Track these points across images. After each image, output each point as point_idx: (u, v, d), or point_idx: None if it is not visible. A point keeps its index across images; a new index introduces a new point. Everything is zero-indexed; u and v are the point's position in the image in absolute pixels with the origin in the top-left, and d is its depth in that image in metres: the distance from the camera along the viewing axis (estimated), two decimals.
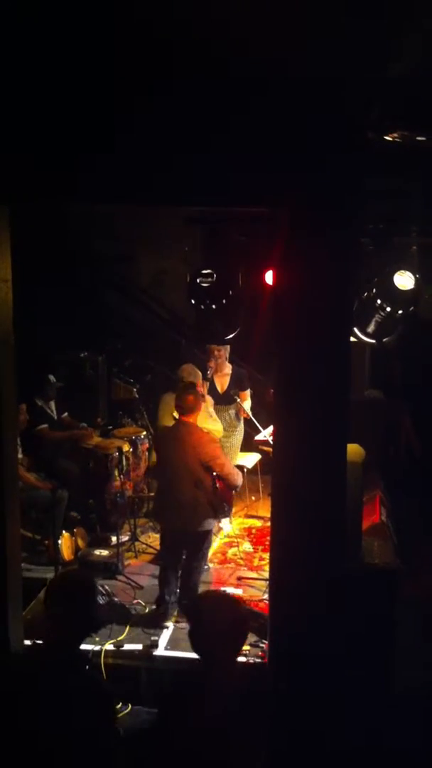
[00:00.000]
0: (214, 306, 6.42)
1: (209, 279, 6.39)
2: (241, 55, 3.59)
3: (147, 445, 8.52)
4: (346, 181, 4.12)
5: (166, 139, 4.11)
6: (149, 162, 4.21)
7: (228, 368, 8.15)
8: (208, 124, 4.05)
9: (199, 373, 7.19)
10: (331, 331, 4.44)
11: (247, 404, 8.18)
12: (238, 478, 6.45)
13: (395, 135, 4.28)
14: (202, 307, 6.44)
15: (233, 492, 6.62)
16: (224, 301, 6.36)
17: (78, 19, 3.40)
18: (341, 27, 3.30)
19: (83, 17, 3.37)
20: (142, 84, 3.97)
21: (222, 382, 8.14)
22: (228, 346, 8.06)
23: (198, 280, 6.40)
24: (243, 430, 8.37)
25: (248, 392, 8.19)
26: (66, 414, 8.33)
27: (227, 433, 8.05)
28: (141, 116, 4.09)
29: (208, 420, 7.04)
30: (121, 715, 5.39)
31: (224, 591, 6.04)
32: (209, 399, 7.69)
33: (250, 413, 8.11)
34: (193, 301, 6.46)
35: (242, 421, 8.30)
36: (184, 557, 6.41)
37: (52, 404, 8.18)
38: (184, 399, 6.24)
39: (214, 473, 6.20)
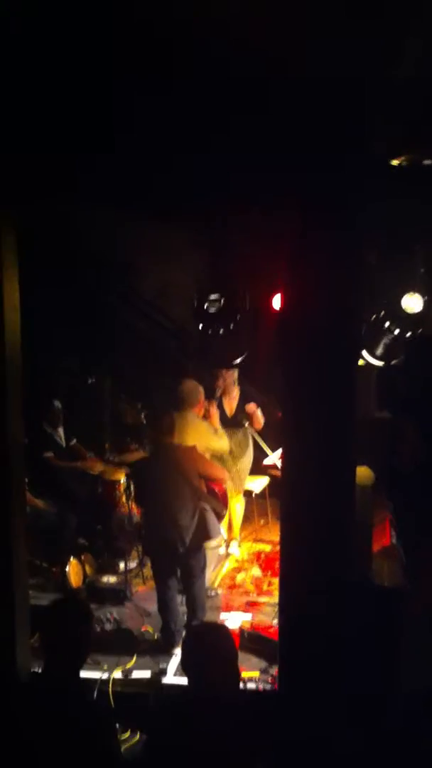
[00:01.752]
0: (221, 331, 6.42)
1: (216, 304, 6.39)
2: (244, 55, 3.58)
3: None
4: (353, 200, 4.13)
5: (167, 139, 4.11)
6: (150, 163, 4.21)
7: (236, 391, 8.12)
8: (211, 124, 4.04)
9: (201, 389, 7.14)
10: (339, 352, 4.43)
11: (258, 412, 8.07)
12: (223, 472, 6.54)
13: (402, 159, 4.30)
14: (210, 331, 6.44)
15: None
16: (231, 326, 6.36)
17: (77, 18, 3.41)
18: (346, 27, 3.30)
19: (82, 16, 3.38)
20: (143, 84, 3.96)
21: (231, 406, 8.11)
22: (236, 370, 8.04)
23: (205, 306, 6.41)
24: (252, 454, 8.33)
25: (254, 405, 8.09)
26: (75, 441, 8.31)
27: (236, 456, 8.03)
28: (142, 117, 4.09)
29: (213, 437, 7.00)
30: (129, 744, 5.31)
31: (215, 624, 5.96)
32: (215, 414, 7.66)
33: (261, 418, 8.02)
34: (200, 326, 6.46)
35: (251, 446, 8.25)
36: (180, 581, 6.37)
37: (60, 431, 8.16)
38: (161, 422, 6.25)
39: (207, 478, 6.30)
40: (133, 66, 3.80)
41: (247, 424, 8.06)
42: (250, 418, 8.03)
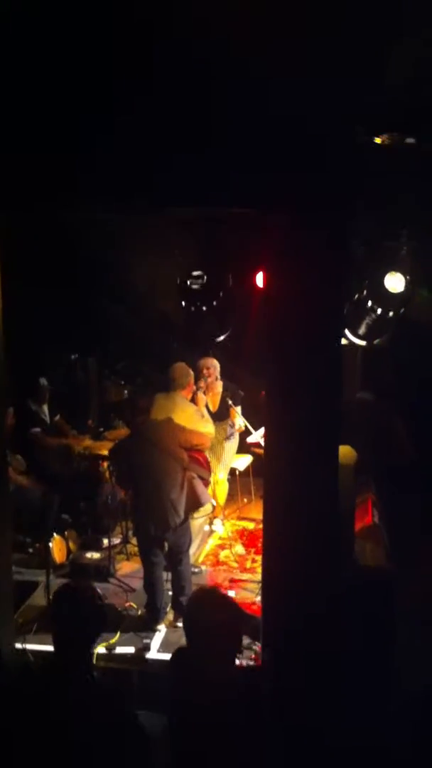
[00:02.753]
0: (204, 308, 6.42)
1: (199, 281, 6.38)
2: (235, 56, 3.59)
3: None
4: (339, 183, 4.12)
5: (160, 139, 4.11)
6: (142, 163, 4.20)
7: (219, 386, 8.16)
8: (202, 125, 4.05)
9: (191, 373, 7.19)
10: (323, 333, 4.44)
11: (238, 420, 8.19)
12: (205, 438, 6.61)
13: (385, 137, 4.29)
14: (193, 309, 6.44)
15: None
16: (215, 303, 6.35)
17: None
18: (338, 28, 3.31)
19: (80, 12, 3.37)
20: (138, 86, 3.97)
21: (214, 401, 8.16)
22: (218, 365, 8.08)
23: (188, 282, 6.39)
24: (237, 437, 8.43)
25: (238, 409, 8.19)
26: (58, 417, 8.32)
27: (220, 438, 8.08)
28: (136, 117, 4.08)
29: (201, 421, 7.03)
30: None
31: (217, 589, 6.03)
32: (201, 398, 7.68)
33: (242, 423, 8.14)
34: (183, 304, 6.45)
35: (235, 439, 8.37)
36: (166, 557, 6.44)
37: (45, 408, 8.17)
38: (138, 401, 6.32)
39: (189, 447, 6.37)
40: (128, 67, 3.80)
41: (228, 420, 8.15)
42: (232, 421, 8.14)
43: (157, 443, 6.20)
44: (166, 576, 6.52)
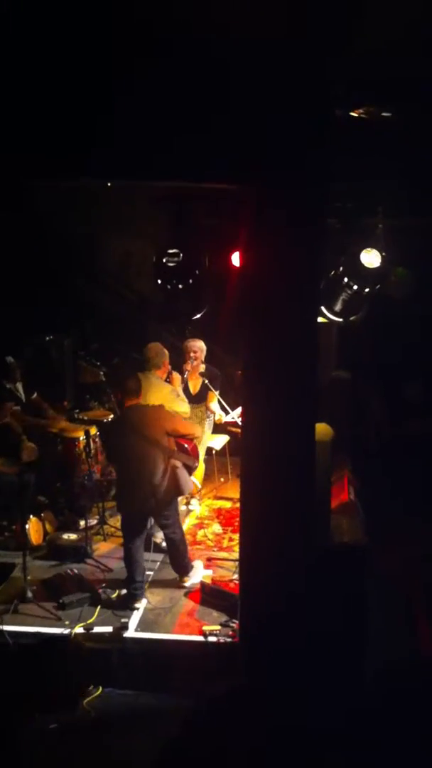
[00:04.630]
0: (180, 286, 6.38)
1: (175, 258, 6.34)
2: (205, 32, 3.56)
3: None
4: (313, 159, 4.10)
5: (136, 115, 4.06)
6: (120, 136, 4.14)
7: (202, 368, 8.12)
8: (176, 101, 4.01)
9: (166, 352, 7.16)
10: (299, 310, 4.43)
11: (214, 405, 8.16)
12: (195, 428, 6.62)
13: (361, 111, 4.27)
14: (169, 287, 6.40)
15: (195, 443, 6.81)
16: (191, 281, 6.32)
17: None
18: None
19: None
20: (124, 65, 3.93)
21: (195, 384, 8.12)
22: (204, 348, 8.04)
23: (164, 260, 6.35)
24: (211, 429, 8.45)
25: (216, 393, 8.16)
26: (36, 395, 8.24)
27: (200, 419, 8.07)
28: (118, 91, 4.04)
29: (176, 400, 7.01)
30: (91, 697, 5.38)
31: None
32: (177, 378, 7.66)
33: (217, 413, 8.13)
34: (159, 281, 6.41)
35: (211, 422, 8.35)
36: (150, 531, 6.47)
37: (20, 386, 8.09)
38: (126, 383, 6.24)
39: (177, 436, 6.33)
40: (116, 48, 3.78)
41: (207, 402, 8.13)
42: (207, 406, 8.12)
43: (141, 430, 6.17)
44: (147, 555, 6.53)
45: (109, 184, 6.04)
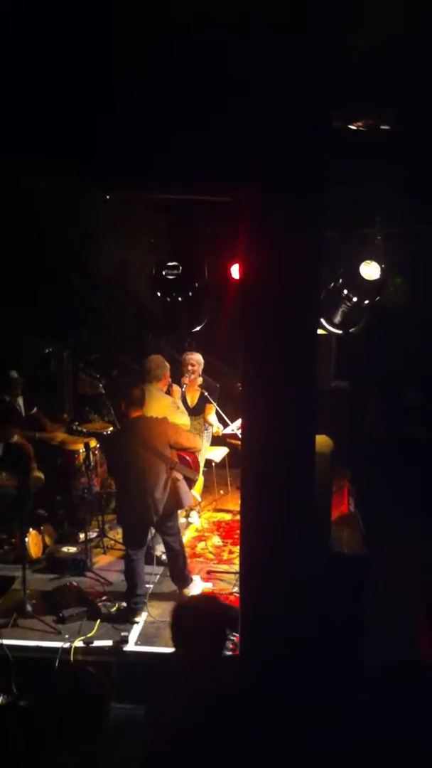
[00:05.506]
0: (180, 299, 6.39)
1: (175, 271, 6.35)
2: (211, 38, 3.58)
3: None
4: (313, 167, 4.11)
5: (134, 120, 4.06)
6: (119, 143, 4.15)
7: (199, 381, 8.14)
8: (178, 105, 4.01)
9: (167, 365, 7.17)
10: (298, 322, 4.42)
11: (212, 417, 8.17)
12: (197, 441, 6.65)
13: (360, 124, 4.28)
14: (168, 299, 6.41)
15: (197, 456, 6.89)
16: (190, 294, 6.33)
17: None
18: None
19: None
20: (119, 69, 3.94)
21: (193, 397, 8.14)
22: (202, 361, 8.06)
23: (163, 273, 6.36)
24: (209, 442, 8.48)
25: (213, 406, 8.17)
26: (35, 409, 8.24)
27: (198, 431, 8.06)
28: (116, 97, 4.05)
29: (176, 412, 7.02)
30: None
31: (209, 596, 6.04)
32: (177, 390, 7.67)
33: (215, 426, 8.13)
34: (158, 294, 6.42)
35: (208, 435, 8.36)
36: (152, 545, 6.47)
37: (20, 400, 8.08)
38: (131, 394, 6.23)
39: (180, 449, 6.37)
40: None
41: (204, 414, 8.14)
42: (205, 418, 8.12)
43: (145, 441, 6.16)
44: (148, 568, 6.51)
45: (107, 197, 6.09)
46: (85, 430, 8.53)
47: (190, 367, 8.00)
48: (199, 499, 8.21)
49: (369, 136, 4.29)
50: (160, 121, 4.06)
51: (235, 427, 7.93)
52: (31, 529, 7.19)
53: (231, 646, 5.67)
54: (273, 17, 3.52)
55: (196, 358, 8.07)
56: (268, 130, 4.03)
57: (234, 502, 8.74)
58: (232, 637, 5.74)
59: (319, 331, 5.75)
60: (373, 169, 4.44)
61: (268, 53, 3.76)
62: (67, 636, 5.86)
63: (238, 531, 7.77)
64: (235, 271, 6.71)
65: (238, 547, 7.31)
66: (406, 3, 3.54)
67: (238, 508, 8.38)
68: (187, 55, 3.84)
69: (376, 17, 3.52)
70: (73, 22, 3.74)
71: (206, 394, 8.11)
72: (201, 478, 8.45)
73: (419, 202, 4.94)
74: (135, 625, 6.12)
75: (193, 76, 3.93)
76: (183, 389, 7.95)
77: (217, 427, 8.23)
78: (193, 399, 8.14)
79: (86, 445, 7.82)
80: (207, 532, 8.17)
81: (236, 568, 6.85)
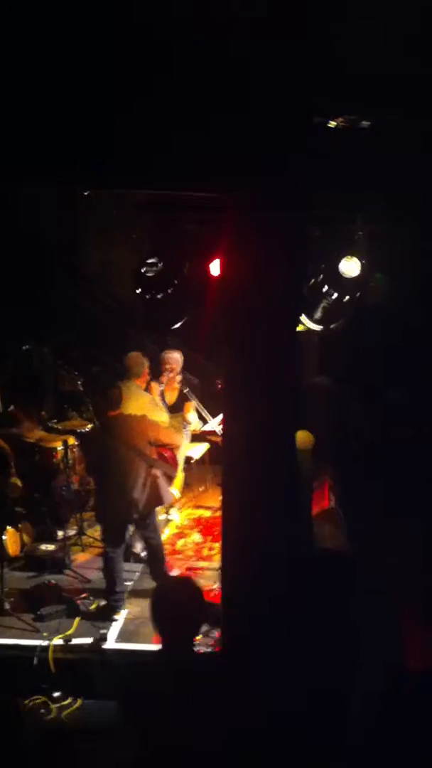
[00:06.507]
0: (160, 296, 6.37)
1: (154, 268, 6.33)
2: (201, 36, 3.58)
3: None
4: (294, 166, 4.10)
5: (117, 118, 4.04)
6: (99, 141, 4.12)
7: (178, 379, 8.11)
8: (165, 104, 4.00)
9: (146, 361, 7.15)
10: (280, 318, 4.42)
11: (191, 415, 8.14)
12: (176, 437, 6.70)
13: (341, 119, 4.27)
14: (148, 296, 6.39)
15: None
16: (170, 291, 6.31)
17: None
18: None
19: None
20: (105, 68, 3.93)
21: (171, 395, 8.12)
22: (181, 360, 8.04)
23: (143, 270, 6.34)
24: (188, 439, 8.45)
25: (193, 404, 8.15)
26: (12, 407, 8.17)
27: (177, 428, 8.04)
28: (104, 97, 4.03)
29: (155, 409, 7.00)
30: (70, 709, 5.32)
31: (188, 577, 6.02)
32: (155, 387, 7.65)
33: (193, 423, 8.11)
34: (138, 291, 6.39)
35: (187, 432, 8.34)
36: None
37: None
38: (109, 393, 6.20)
39: (160, 446, 6.34)
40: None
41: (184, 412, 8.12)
42: (184, 416, 8.10)
43: (125, 439, 6.14)
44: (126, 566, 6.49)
45: (86, 194, 6.04)
46: (61, 427, 8.47)
47: (168, 366, 7.98)
48: (178, 496, 8.19)
49: (351, 132, 4.28)
50: (156, 121, 4.05)
51: (215, 423, 7.92)
52: (9, 527, 7.13)
53: (212, 642, 5.67)
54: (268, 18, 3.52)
55: (175, 357, 8.05)
56: (261, 131, 4.03)
57: (214, 499, 8.73)
58: (212, 634, 5.75)
59: (299, 328, 5.77)
60: (355, 167, 4.43)
61: (263, 55, 3.75)
62: (45, 634, 5.82)
63: (217, 528, 7.77)
64: (214, 267, 6.69)
65: (218, 543, 7.32)
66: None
67: (217, 505, 8.40)
68: (186, 56, 3.83)
69: (360, 18, 3.53)
70: (73, 21, 3.71)
71: (186, 391, 8.09)
72: (181, 475, 8.43)
73: (400, 198, 4.95)
74: (114, 623, 6.10)
75: (190, 77, 3.92)
76: (161, 387, 7.93)
77: (195, 425, 8.21)
78: (171, 397, 8.12)
79: (65, 443, 7.78)
80: (187, 529, 8.16)
81: (216, 564, 6.85)
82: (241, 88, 3.94)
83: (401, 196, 4.57)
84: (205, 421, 8.19)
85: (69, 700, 5.39)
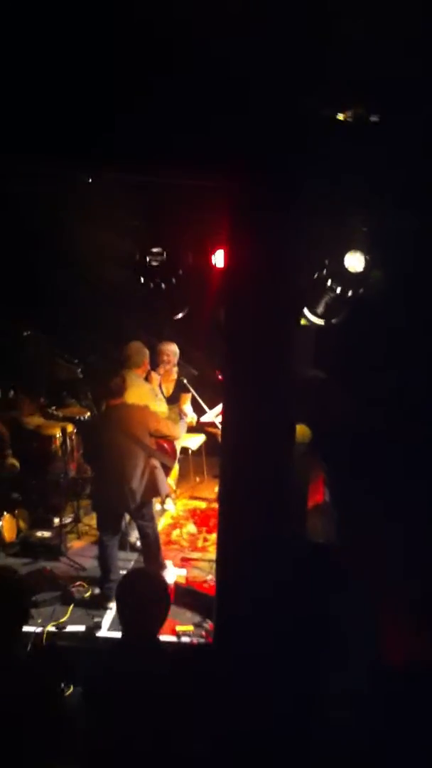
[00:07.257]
0: (163, 285, 6.35)
1: (159, 257, 6.31)
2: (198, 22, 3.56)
3: None
4: (294, 164, 4.10)
5: (113, 101, 4.03)
6: (94, 122, 4.11)
7: (175, 372, 8.10)
8: (161, 88, 3.99)
9: (146, 351, 7.13)
10: (281, 311, 4.42)
11: (187, 407, 8.13)
12: (176, 429, 6.62)
13: (348, 114, 4.26)
14: (152, 285, 6.37)
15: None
16: (174, 281, 6.30)
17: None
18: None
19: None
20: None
21: (168, 387, 8.11)
22: (177, 352, 8.02)
23: (147, 258, 6.32)
24: (184, 431, 8.40)
25: (188, 396, 8.14)
26: (12, 393, 8.16)
27: (174, 419, 8.04)
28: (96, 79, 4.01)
29: (155, 399, 6.99)
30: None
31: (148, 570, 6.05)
32: (155, 377, 7.64)
33: (189, 415, 8.09)
34: (142, 280, 6.37)
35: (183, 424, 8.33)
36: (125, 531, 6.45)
37: None
38: (112, 381, 6.19)
39: (159, 437, 6.35)
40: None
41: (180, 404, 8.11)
42: (180, 408, 8.09)
43: (125, 429, 6.14)
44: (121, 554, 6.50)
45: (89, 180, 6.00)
46: (61, 414, 8.47)
47: (165, 358, 7.97)
48: (173, 487, 8.19)
49: (356, 127, 4.27)
50: (162, 104, 4.03)
51: (213, 414, 7.92)
52: (5, 513, 7.14)
53: (203, 633, 5.69)
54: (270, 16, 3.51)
55: (172, 349, 8.04)
56: (264, 122, 4.02)
57: (209, 490, 8.74)
58: (205, 625, 5.77)
59: (301, 322, 5.77)
60: (360, 160, 4.41)
61: (263, 54, 3.75)
62: (39, 620, 5.83)
63: (212, 519, 7.80)
64: (216, 258, 6.67)
65: (213, 535, 7.34)
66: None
67: (213, 496, 8.43)
68: (187, 52, 3.82)
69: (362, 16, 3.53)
70: (73, 19, 3.70)
71: (184, 381, 8.07)
72: (176, 466, 8.44)
73: (402, 195, 4.94)
74: (108, 611, 6.11)
75: (192, 69, 3.91)
76: (159, 380, 7.92)
77: (191, 417, 8.20)
78: (168, 389, 8.11)
79: (63, 430, 7.78)
80: (182, 519, 8.17)
81: (210, 555, 6.86)
82: (241, 88, 3.94)
83: (402, 191, 4.56)
84: (203, 412, 8.18)
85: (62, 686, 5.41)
